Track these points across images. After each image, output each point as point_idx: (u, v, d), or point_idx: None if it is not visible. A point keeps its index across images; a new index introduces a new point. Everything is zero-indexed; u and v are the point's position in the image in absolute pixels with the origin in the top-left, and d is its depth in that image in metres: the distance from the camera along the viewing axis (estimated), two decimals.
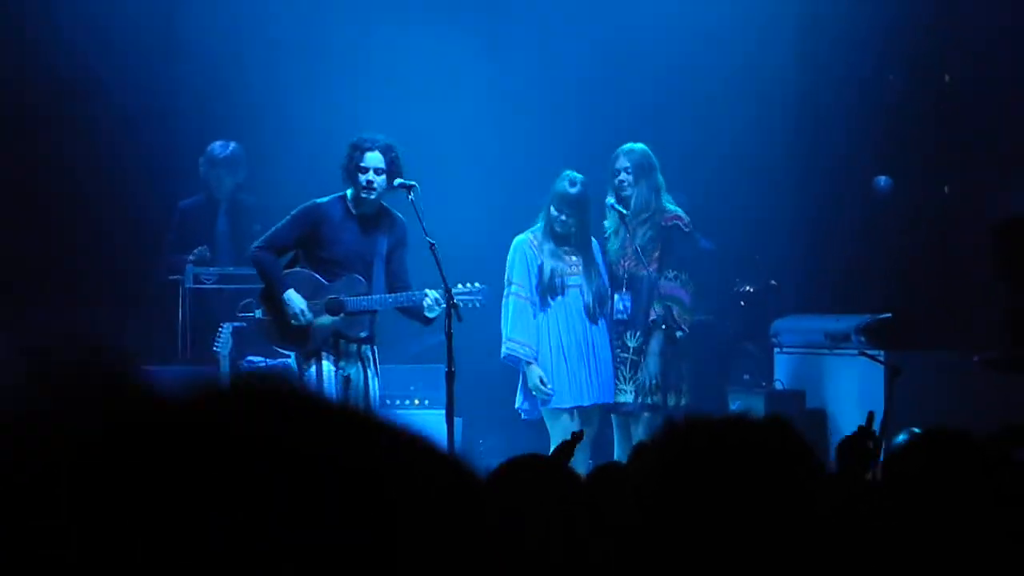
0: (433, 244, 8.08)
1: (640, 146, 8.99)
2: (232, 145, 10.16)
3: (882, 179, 10.77)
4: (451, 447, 7.93)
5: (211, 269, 9.66)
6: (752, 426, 1.92)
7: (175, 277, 9.75)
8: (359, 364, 8.30)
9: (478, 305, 8.22)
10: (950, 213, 10.64)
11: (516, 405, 8.85)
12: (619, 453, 8.69)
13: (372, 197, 8.26)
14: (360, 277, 8.30)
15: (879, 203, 10.85)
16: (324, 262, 8.30)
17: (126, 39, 10.49)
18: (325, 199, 8.35)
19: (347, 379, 8.26)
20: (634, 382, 8.78)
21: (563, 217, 8.73)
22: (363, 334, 8.33)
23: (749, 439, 1.88)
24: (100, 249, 10.55)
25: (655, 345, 8.84)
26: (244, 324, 8.85)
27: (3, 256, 10.34)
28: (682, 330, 8.83)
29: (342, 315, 8.24)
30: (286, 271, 8.39)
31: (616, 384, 8.82)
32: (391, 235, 8.37)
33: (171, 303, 9.75)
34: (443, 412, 8.12)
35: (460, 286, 8.20)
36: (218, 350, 8.74)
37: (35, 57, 10.33)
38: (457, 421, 8.30)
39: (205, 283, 9.60)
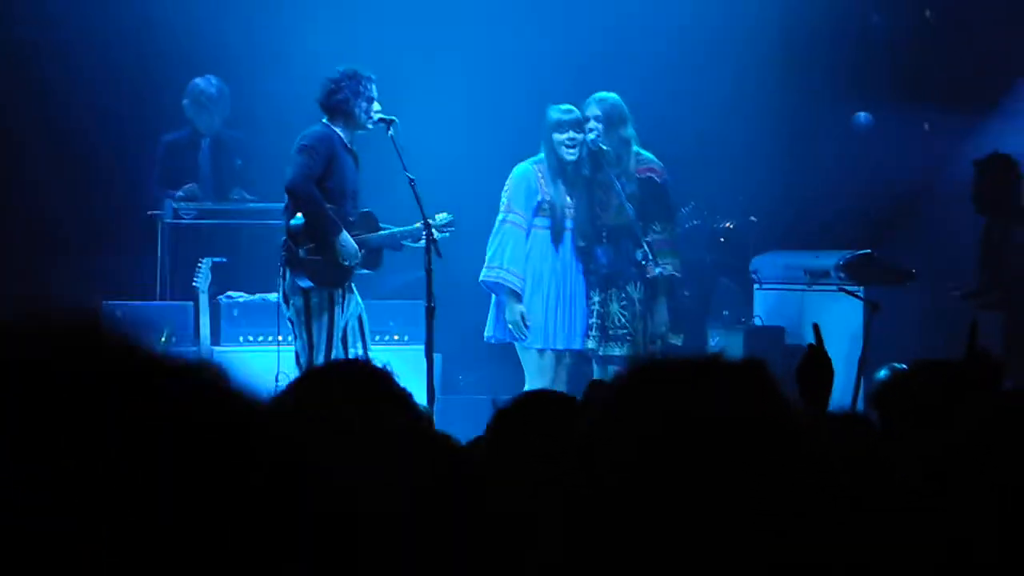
0: (413, 180, 8.01)
1: (613, 96, 8.49)
2: (215, 81, 10.04)
3: (862, 115, 10.76)
4: (431, 383, 7.91)
5: (191, 204, 9.59)
6: (727, 367, 1.81)
7: (154, 213, 9.68)
8: (355, 294, 8.19)
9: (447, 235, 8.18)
10: (930, 149, 10.65)
11: (486, 334, 8.62)
12: None
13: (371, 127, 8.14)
14: (371, 211, 8.21)
15: (859, 139, 10.85)
16: (327, 192, 8.01)
17: None
18: (326, 129, 8.08)
19: (360, 318, 8.15)
20: (634, 331, 8.42)
21: (568, 137, 8.35)
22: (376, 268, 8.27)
23: (720, 379, 1.77)
24: (80, 185, 10.45)
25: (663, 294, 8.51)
26: (224, 260, 8.81)
27: None
28: (660, 267, 8.51)
29: (363, 251, 8.09)
30: None
31: (607, 334, 8.51)
32: (358, 162, 8.28)
33: (150, 239, 9.69)
34: (423, 348, 8.07)
35: (438, 217, 8.15)
36: (197, 285, 8.68)
37: None
38: (436, 357, 8.27)
39: (184, 218, 9.53)
